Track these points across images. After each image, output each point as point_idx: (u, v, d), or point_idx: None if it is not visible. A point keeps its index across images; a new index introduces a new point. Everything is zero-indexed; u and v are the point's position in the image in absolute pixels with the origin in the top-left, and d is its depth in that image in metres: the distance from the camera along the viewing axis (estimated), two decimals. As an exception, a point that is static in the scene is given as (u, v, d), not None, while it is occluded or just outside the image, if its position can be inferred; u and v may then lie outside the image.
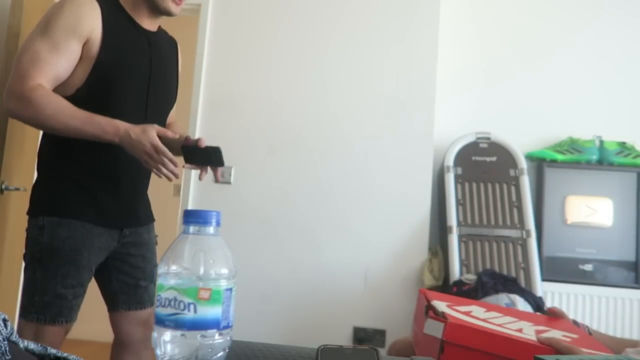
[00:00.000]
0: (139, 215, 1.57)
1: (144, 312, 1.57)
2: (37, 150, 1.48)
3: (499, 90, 2.77)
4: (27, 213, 1.43)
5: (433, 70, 2.62)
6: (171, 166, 1.37)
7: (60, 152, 1.42)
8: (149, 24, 1.51)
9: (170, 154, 1.36)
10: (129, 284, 1.55)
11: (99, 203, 1.44)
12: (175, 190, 3.57)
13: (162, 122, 1.61)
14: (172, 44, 1.66)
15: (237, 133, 2.70)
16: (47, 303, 1.36)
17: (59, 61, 1.34)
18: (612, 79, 2.73)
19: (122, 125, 1.33)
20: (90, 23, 1.36)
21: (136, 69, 1.47)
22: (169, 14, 1.49)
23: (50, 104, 1.31)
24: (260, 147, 2.68)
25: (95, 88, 1.39)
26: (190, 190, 2.70)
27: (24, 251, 1.42)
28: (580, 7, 2.78)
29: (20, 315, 1.38)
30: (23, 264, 1.42)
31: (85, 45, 1.37)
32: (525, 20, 2.80)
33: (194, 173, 2.71)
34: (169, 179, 1.40)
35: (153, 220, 1.65)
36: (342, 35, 2.70)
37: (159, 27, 1.57)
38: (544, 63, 2.76)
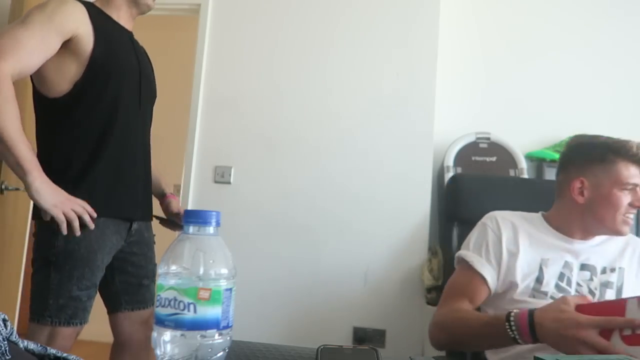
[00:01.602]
0: (146, 208, 1.58)
1: (146, 312, 1.57)
2: (37, 153, 1.46)
3: (499, 90, 2.77)
4: (35, 217, 1.40)
5: (433, 70, 2.62)
6: (83, 211, 1.34)
7: (66, 149, 1.42)
8: (126, 24, 1.56)
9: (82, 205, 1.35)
10: (132, 283, 1.55)
11: (110, 194, 1.44)
12: (175, 191, 3.56)
13: (151, 116, 1.64)
14: (145, 53, 1.69)
15: (237, 133, 2.70)
16: (61, 306, 1.35)
17: (35, 49, 1.32)
18: (613, 79, 2.73)
19: (41, 174, 1.30)
20: (75, 21, 1.37)
21: (128, 63, 1.50)
22: (148, 7, 1.55)
23: (9, 102, 1.27)
24: (260, 146, 2.68)
25: (93, 82, 1.40)
26: (190, 190, 2.70)
27: (33, 256, 1.40)
28: (580, 6, 2.78)
29: (32, 319, 1.36)
30: (23, 270, 1.42)
31: (74, 42, 1.37)
32: (525, 20, 2.80)
33: (194, 173, 2.72)
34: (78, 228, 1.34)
35: (152, 218, 1.66)
36: (342, 36, 2.70)
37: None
38: (544, 63, 2.76)
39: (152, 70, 1.67)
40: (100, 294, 1.54)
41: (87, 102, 1.41)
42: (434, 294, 2.38)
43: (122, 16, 1.54)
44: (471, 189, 1.63)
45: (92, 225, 1.35)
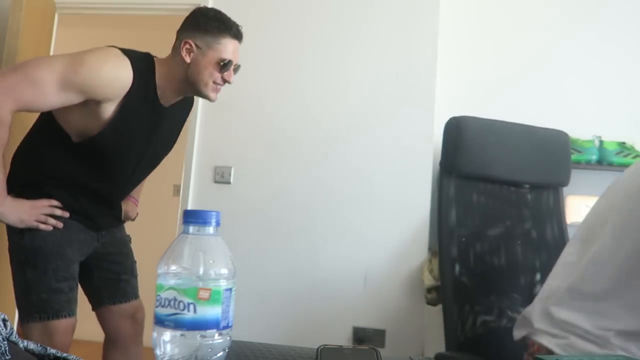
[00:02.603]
0: (110, 222, 1.61)
1: (128, 305, 1.60)
2: (10, 162, 1.48)
3: (499, 90, 2.77)
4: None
5: (433, 69, 2.62)
6: (54, 211, 1.42)
7: (36, 164, 1.45)
8: (171, 100, 1.49)
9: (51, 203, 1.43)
10: (110, 279, 1.59)
11: (76, 207, 1.47)
12: (175, 191, 3.57)
13: (146, 176, 1.68)
14: (186, 107, 1.64)
15: (237, 133, 2.70)
16: (45, 300, 1.37)
17: (54, 100, 1.32)
18: (612, 79, 2.72)
19: (6, 199, 1.36)
20: (110, 93, 1.34)
21: (135, 145, 1.48)
22: (209, 99, 1.50)
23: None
24: (260, 147, 2.68)
25: (88, 154, 1.42)
26: (190, 190, 2.70)
27: (9, 260, 1.44)
28: (580, 6, 2.78)
29: (22, 321, 1.40)
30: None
31: (94, 105, 1.35)
32: (525, 21, 2.80)
33: (194, 173, 2.72)
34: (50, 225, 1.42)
35: (122, 222, 1.70)
36: (342, 36, 2.70)
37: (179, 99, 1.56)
38: (544, 63, 2.76)
39: (175, 136, 1.66)
40: (84, 292, 1.59)
41: (81, 155, 1.43)
42: (434, 294, 2.38)
43: (169, 97, 1.48)
44: (475, 136, 1.40)
45: (66, 214, 1.43)
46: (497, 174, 1.42)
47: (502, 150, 1.39)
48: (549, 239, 1.47)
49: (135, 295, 1.64)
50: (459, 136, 1.39)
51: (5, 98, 1.27)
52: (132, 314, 1.61)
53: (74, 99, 1.32)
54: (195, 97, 1.63)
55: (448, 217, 1.35)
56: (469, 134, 1.40)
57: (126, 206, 1.72)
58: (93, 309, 1.60)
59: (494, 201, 1.35)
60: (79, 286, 1.55)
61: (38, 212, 1.38)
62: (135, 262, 1.68)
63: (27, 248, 1.39)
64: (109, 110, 1.36)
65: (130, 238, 1.71)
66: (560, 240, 1.47)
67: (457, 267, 1.32)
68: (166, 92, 1.46)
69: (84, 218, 1.49)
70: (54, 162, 1.44)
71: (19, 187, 1.41)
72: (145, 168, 1.60)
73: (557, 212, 1.50)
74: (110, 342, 1.61)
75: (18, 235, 1.40)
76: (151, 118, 1.46)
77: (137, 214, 1.81)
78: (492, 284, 1.37)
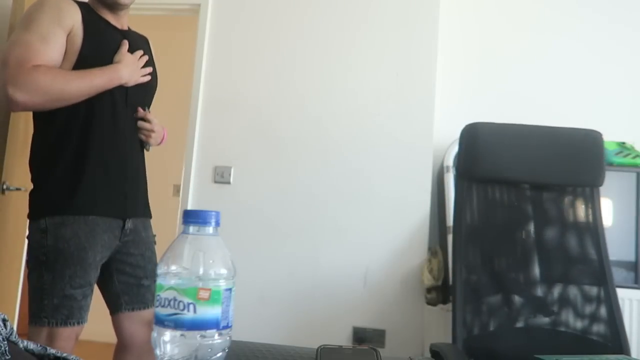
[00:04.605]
0: (138, 205, 1.57)
1: (147, 312, 1.56)
2: (29, 157, 1.47)
3: (499, 89, 2.77)
4: (28, 217, 1.42)
5: (432, 70, 2.62)
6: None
7: (51, 149, 1.43)
8: (116, 22, 1.56)
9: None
10: (131, 284, 1.54)
11: (96, 193, 1.44)
12: (175, 191, 3.57)
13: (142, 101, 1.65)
14: (145, 41, 1.71)
15: (237, 133, 2.70)
16: (56, 305, 1.35)
17: (50, 51, 1.36)
18: (612, 79, 2.73)
19: (114, 65, 1.46)
20: (71, 16, 1.41)
21: (113, 49, 1.50)
22: (116, 5, 1.53)
23: (57, 75, 1.35)
24: (259, 147, 2.68)
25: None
26: (189, 191, 2.70)
27: (26, 258, 1.41)
28: (579, 6, 2.79)
29: (30, 322, 1.36)
30: (23, 270, 1.42)
31: (68, 38, 1.41)
32: (525, 21, 2.80)
33: (194, 173, 2.72)
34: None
35: (151, 216, 1.65)
36: (342, 35, 2.70)
37: (128, 27, 1.63)
38: (544, 63, 2.76)
39: (151, 64, 1.65)
40: (102, 295, 1.55)
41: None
42: (434, 294, 2.39)
43: (109, 17, 1.55)
44: (491, 141, 1.43)
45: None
46: (514, 176, 1.43)
47: (519, 153, 1.41)
48: (575, 240, 1.45)
49: (154, 302, 1.59)
50: (475, 142, 1.43)
51: (25, 57, 1.34)
52: (149, 321, 1.56)
53: (61, 38, 1.40)
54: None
55: (462, 219, 1.38)
56: (485, 140, 1.44)
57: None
58: (110, 314, 1.56)
59: (511, 203, 1.35)
60: (99, 290, 1.53)
61: (138, 69, 1.52)
62: (157, 265, 1.62)
63: (50, 248, 1.36)
64: (78, 36, 1.42)
65: (156, 240, 1.65)
66: (594, 239, 1.43)
67: (468, 268, 1.33)
68: (105, 15, 1.54)
69: (114, 197, 1.46)
70: (55, 138, 1.42)
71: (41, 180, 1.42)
72: (137, 97, 1.57)
73: (591, 212, 1.47)
74: (124, 348, 1.56)
75: (40, 234, 1.37)
76: (114, 36, 1.53)
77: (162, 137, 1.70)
78: (504, 285, 1.37)
